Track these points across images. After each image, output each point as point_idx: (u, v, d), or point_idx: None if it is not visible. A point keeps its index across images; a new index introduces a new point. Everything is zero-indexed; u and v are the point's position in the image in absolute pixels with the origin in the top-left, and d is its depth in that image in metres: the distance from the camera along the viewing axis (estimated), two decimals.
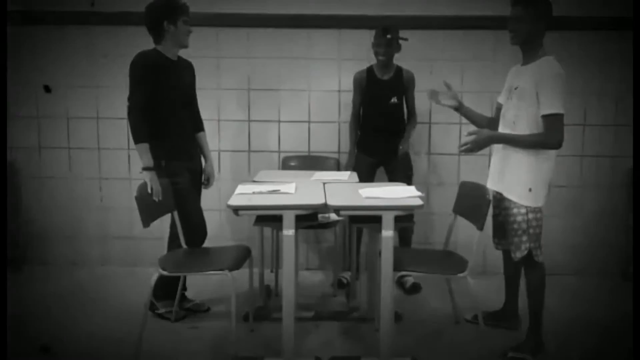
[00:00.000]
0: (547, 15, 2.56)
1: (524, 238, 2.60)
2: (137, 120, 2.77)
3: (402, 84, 3.45)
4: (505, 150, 2.61)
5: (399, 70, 3.47)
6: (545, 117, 2.48)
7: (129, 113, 2.79)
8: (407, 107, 3.54)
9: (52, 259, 4.01)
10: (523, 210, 2.58)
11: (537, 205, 2.59)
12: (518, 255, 2.62)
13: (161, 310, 3.05)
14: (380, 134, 3.48)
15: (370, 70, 3.49)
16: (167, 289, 2.98)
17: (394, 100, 3.42)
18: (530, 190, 2.56)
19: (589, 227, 3.92)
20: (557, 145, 2.51)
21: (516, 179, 2.58)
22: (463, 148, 2.56)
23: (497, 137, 2.64)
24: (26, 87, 3.86)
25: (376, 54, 3.39)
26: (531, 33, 2.55)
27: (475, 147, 2.55)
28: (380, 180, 3.57)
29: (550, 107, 2.46)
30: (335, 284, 3.55)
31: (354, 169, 3.48)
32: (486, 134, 2.59)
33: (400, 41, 3.38)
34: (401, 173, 3.46)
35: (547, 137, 2.49)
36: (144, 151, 2.77)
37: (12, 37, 3.73)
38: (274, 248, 3.57)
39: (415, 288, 3.47)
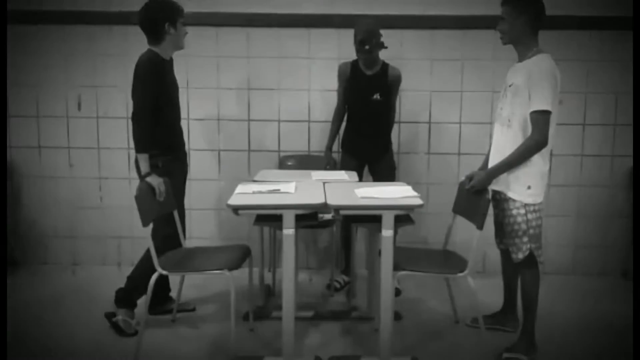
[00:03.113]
0: (534, 13, 2.55)
1: (525, 239, 2.59)
2: (144, 129, 2.75)
3: (386, 80, 3.39)
4: (502, 150, 2.61)
5: (385, 66, 3.41)
6: (532, 114, 2.48)
7: (135, 121, 2.75)
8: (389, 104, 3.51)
9: (52, 259, 4.01)
10: (522, 211, 2.58)
11: (537, 202, 2.59)
12: (520, 256, 2.62)
13: (117, 318, 2.87)
14: (363, 132, 3.45)
15: (355, 63, 3.43)
16: (131, 296, 2.91)
17: (376, 96, 3.36)
18: (529, 187, 2.56)
19: (589, 227, 3.91)
20: (542, 143, 2.49)
21: (515, 177, 2.57)
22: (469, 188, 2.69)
23: (493, 172, 2.62)
24: (26, 87, 3.86)
25: (358, 58, 3.39)
26: (516, 31, 2.56)
27: (480, 188, 2.64)
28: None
29: (538, 103, 2.46)
30: (332, 287, 3.53)
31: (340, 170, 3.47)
32: (483, 176, 2.63)
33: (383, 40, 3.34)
34: (385, 172, 3.47)
35: (532, 138, 2.49)
36: (144, 160, 2.76)
37: (12, 36, 3.74)
38: (271, 247, 3.57)
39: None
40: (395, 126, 3.67)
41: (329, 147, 3.61)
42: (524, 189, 2.56)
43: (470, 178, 2.70)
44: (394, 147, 3.63)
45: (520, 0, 2.56)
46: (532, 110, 2.48)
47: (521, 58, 2.61)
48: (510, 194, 2.60)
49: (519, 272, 2.71)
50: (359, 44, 3.29)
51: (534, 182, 2.56)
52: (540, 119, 2.47)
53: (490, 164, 2.71)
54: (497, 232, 2.84)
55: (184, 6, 2.91)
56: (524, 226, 2.58)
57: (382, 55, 3.45)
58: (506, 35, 2.61)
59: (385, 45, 3.32)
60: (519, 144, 2.53)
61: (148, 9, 2.82)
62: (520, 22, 2.55)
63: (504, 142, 2.62)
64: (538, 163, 2.55)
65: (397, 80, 3.44)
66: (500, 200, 2.68)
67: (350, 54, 3.44)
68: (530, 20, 2.55)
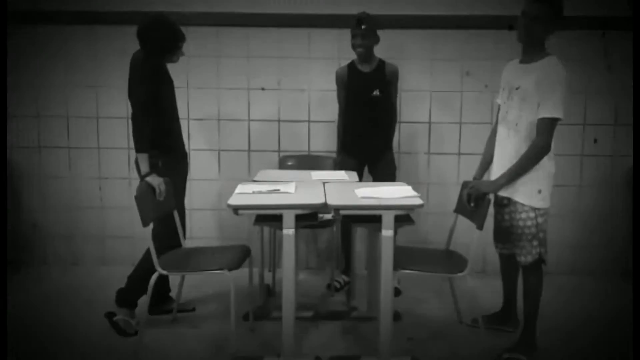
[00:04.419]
0: (561, 16, 2.49)
1: (535, 243, 2.57)
2: (142, 128, 2.75)
3: (384, 76, 3.39)
4: (508, 155, 2.57)
5: (382, 63, 3.42)
6: (540, 120, 2.45)
7: (134, 119, 2.76)
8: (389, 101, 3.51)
9: (52, 259, 4.01)
10: (532, 214, 2.54)
11: (547, 206, 2.56)
12: (529, 259, 2.59)
13: (117, 317, 2.89)
14: (363, 132, 3.45)
15: (351, 64, 3.45)
16: (131, 296, 2.92)
17: (376, 92, 3.36)
18: (540, 191, 2.53)
19: (589, 227, 3.92)
20: (546, 149, 2.47)
21: (525, 182, 2.53)
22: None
23: (500, 182, 2.56)
24: (26, 87, 3.86)
25: (353, 46, 3.36)
26: (544, 33, 2.49)
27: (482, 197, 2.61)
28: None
29: (551, 111, 2.42)
30: (332, 287, 3.54)
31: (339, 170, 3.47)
32: (492, 188, 2.59)
33: (383, 33, 3.36)
34: (384, 172, 3.46)
35: (536, 144, 2.46)
36: (144, 160, 2.76)
37: (12, 36, 3.74)
38: (271, 247, 3.57)
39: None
40: (395, 126, 3.66)
41: (341, 150, 3.59)
42: (534, 193, 2.53)
43: (473, 187, 2.66)
44: (394, 147, 3.62)
45: (558, 3, 2.47)
46: (541, 116, 2.44)
47: (528, 59, 2.55)
48: (518, 198, 2.55)
49: (523, 274, 2.67)
50: (356, 23, 3.29)
51: (544, 186, 2.53)
52: (547, 125, 2.43)
53: (495, 168, 2.68)
54: (498, 237, 2.81)
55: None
56: (534, 230, 2.55)
57: (382, 54, 3.45)
58: (533, 34, 2.48)
59: (380, 27, 3.34)
60: (525, 151, 2.50)
61: (151, 38, 2.80)
62: (552, 25, 2.47)
63: (509, 147, 2.57)
64: (547, 166, 2.53)
65: (395, 75, 3.44)
66: (505, 205, 2.64)
67: (350, 54, 3.44)
68: (557, 24, 2.49)
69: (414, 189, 2.70)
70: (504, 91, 2.67)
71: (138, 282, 2.83)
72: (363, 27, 3.27)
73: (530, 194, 2.53)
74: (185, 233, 3.04)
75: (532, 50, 2.54)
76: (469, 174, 2.92)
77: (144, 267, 2.75)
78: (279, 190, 2.63)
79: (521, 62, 2.60)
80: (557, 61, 2.48)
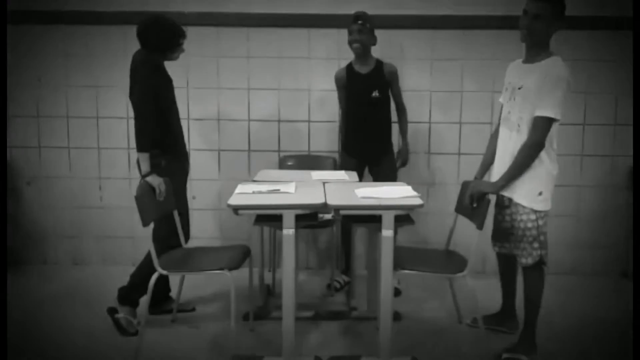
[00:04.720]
0: (563, 14, 2.47)
1: (535, 245, 2.56)
2: (144, 127, 2.75)
3: (383, 77, 3.39)
4: (511, 156, 2.55)
5: (380, 63, 3.42)
6: (537, 117, 2.42)
7: (136, 118, 2.76)
8: (395, 101, 3.50)
9: (52, 259, 4.01)
10: (533, 217, 2.53)
11: (547, 208, 2.55)
12: (530, 261, 2.58)
13: (119, 316, 2.89)
14: (364, 133, 3.45)
15: (349, 66, 3.46)
16: (132, 294, 2.92)
17: (375, 94, 3.37)
18: (540, 194, 2.51)
19: (589, 227, 3.92)
20: (539, 145, 2.45)
21: (525, 183, 2.51)
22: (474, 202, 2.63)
23: (500, 184, 2.55)
24: (26, 87, 3.86)
25: (350, 42, 3.35)
26: (547, 32, 2.46)
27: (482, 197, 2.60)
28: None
29: (548, 110, 2.40)
30: (332, 287, 3.54)
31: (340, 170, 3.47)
32: (491, 190, 2.58)
33: (375, 31, 3.36)
34: (385, 174, 3.46)
35: (530, 140, 2.44)
36: (145, 159, 2.76)
37: (12, 36, 3.74)
38: (271, 247, 3.57)
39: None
40: (395, 126, 3.65)
41: (342, 151, 3.59)
42: (535, 195, 2.51)
43: (474, 186, 2.65)
44: (394, 147, 3.62)
45: (560, 1, 2.44)
46: (537, 114, 2.42)
47: (531, 59, 2.52)
48: (519, 200, 2.54)
49: (524, 276, 2.66)
50: (353, 19, 3.30)
51: (545, 188, 2.52)
52: (542, 124, 2.42)
53: (496, 168, 2.67)
54: (497, 236, 2.79)
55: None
56: (534, 232, 2.54)
57: (382, 54, 3.45)
58: (536, 34, 2.45)
59: (377, 26, 3.35)
60: (520, 159, 2.48)
61: (151, 37, 2.82)
62: (556, 24, 2.45)
63: (511, 147, 2.55)
64: (548, 167, 2.51)
65: (394, 75, 3.43)
66: (506, 206, 2.63)
67: (350, 54, 3.44)
68: (561, 23, 2.46)
69: (414, 189, 2.70)
70: (507, 91, 2.66)
71: (139, 281, 2.83)
72: (359, 22, 3.28)
73: (531, 196, 2.52)
74: (189, 233, 3.03)
75: (535, 50, 2.51)
76: (469, 174, 2.92)
77: (147, 268, 2.75)
78: (279, 190, 2.62)
79: (524, 62, 2.58)
80: (560, 61, 2.46)
